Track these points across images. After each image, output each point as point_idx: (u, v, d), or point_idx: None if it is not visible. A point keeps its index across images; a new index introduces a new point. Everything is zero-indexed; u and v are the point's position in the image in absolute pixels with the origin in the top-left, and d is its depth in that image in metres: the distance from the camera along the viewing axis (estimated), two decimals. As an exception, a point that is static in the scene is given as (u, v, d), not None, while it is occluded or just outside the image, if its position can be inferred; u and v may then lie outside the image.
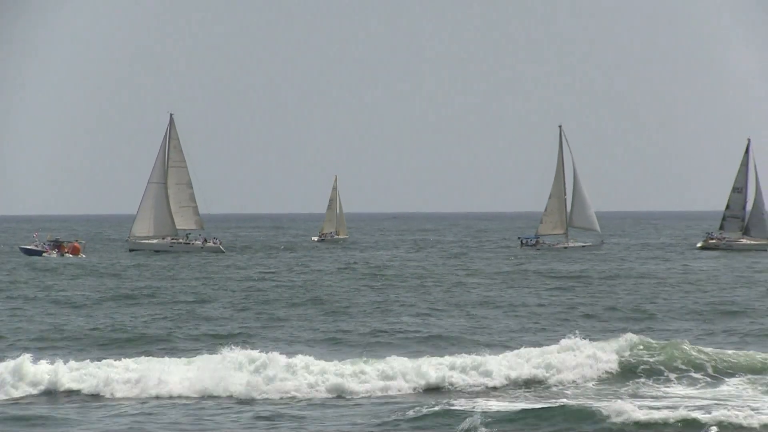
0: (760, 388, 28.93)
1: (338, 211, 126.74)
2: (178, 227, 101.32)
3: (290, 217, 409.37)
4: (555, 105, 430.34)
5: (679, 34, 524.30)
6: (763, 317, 45.90)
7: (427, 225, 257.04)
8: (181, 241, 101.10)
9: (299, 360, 29.92)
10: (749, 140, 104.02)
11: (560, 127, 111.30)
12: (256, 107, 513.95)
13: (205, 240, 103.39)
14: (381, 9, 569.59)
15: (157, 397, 28.55)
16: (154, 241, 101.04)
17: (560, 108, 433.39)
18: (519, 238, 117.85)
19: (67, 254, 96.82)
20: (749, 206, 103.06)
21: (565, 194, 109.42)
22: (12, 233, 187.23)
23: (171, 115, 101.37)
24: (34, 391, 29.25)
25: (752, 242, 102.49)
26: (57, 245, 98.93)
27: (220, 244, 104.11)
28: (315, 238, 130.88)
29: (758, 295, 56.07)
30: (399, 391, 29.33)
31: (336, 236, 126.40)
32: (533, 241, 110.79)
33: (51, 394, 29.20)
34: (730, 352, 31.77)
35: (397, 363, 30.20)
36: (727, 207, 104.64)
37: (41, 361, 30.23)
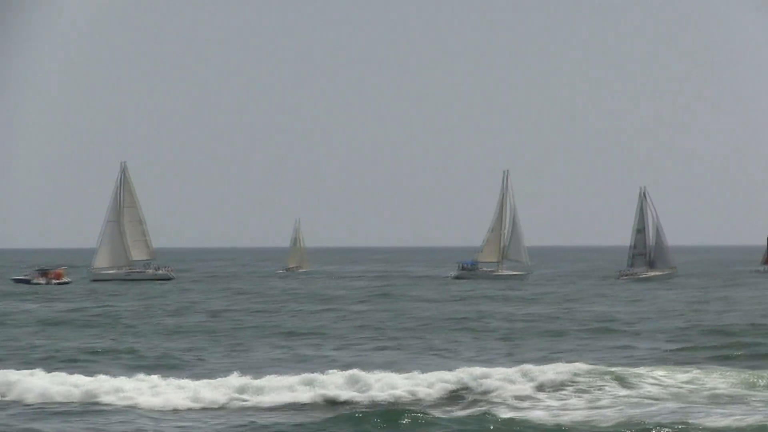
0: None
1: (301, 246, 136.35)
2: (133, 258, 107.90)
3: (251, 251, 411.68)
4: (499, 151, 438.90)
5: (598, 94, 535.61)
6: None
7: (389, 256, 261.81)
8: (138, 270, 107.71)
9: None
10: (641, 188, 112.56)
11: (505, 171, 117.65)
12: (217, 144, 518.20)
13: (157, 268, 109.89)
14: (327, 55, 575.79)
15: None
16: (113, 271, 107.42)
17: (504, 154, 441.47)
18: (459, 262, 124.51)
19: (52, 280, 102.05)
20: (651, 242, 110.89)
21: (502, 228, 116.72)
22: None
23: (122, 163, 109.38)
24: None
25: (657, 273, 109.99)
26: (43, 273, 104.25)
27: (171, 271, 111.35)
28: (282, 271, 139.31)
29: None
30: None
31: (300, 269, 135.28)
32: (471, 266, 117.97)
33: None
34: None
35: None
36: (633, 246, 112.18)
37: None
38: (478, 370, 31.82)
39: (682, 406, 28.78)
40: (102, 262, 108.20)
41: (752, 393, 30.28)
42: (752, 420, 26.34)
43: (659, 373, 32.30)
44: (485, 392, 30.45)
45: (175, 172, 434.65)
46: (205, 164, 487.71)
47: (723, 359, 39.41)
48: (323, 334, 51.13)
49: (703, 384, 31.30)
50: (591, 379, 31.43)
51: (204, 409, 29.02)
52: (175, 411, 28.85)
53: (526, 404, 29.45)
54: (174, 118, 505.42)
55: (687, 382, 31.34)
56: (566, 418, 27.23)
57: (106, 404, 29.38)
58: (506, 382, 30.94)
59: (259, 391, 30.20)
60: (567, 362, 33.11)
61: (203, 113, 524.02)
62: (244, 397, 29.89)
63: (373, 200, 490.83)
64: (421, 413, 27.28)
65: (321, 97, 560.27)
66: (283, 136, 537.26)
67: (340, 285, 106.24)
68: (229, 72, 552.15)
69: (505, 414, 27.62)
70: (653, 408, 28.62)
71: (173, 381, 31.27)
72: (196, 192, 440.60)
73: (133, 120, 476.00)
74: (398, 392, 30.08)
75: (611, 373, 32.05)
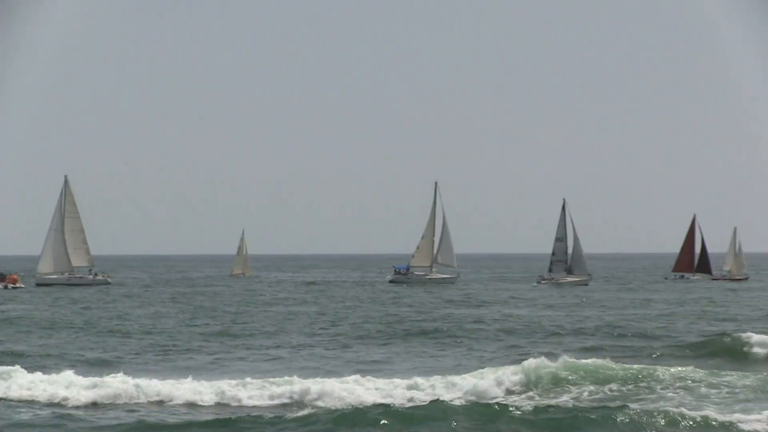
0: None
1: (245, 254, 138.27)
2: (73, 265, 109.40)
3: (196, 258, 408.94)
4: (431, 164, 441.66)
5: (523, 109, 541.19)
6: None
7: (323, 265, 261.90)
8: (79, 275, 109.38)
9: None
10: (564, 200, 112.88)
11: (436, 183, 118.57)
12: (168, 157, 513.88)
13: (96, 274, 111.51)
14: (268, 66, 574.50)
15: None
16: (56, 276, 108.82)
17: (435, 166, 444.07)
18: (394, 266, 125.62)
19: (9, 284, 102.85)
20: (570, 251, 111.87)
21: (434, 236, 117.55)
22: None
23: (65, 176, 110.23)
24: None
25: (575, 279, 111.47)
26: (2, 278, 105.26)
27: (108, 277, 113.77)
28: (228, 276, 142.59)
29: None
30: None
31: (244, 275, 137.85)
32: (405, 270, 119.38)
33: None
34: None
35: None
36: (553, 254, 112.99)
37: None
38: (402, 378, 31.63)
39: (597, 394, 29.68)
40: (46, 268, 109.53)
41: (652, 385, 30.93)
42: (659, 407, 26.96)
43: (581, 364, 32.73)
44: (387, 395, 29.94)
45: (118, 182, 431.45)
46: (148, 174, 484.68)
47: (625, 353, 40.32)
48: (253, 336, 50.67)
49: (612, 374, 31.89)
50: (513, 374, 31.73)
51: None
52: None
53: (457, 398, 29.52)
54: (118, 129, 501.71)
55: (605, 375, 31.84)
56: (490, 407, 27.13)
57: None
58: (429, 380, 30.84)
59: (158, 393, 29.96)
60: (510, 365, 33.32)
61: (149, 126, 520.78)
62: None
63: (313, 210, 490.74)
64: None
65: (261, 108, 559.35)
66: (226, 147, 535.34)
67: (284, 289, 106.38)
68: (171, 82, 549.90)
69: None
70: (568, 395, 29.48)
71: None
72: (138, 201, 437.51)
73: (78, 132, 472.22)
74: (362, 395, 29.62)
75: (531, 367, 32.24)
